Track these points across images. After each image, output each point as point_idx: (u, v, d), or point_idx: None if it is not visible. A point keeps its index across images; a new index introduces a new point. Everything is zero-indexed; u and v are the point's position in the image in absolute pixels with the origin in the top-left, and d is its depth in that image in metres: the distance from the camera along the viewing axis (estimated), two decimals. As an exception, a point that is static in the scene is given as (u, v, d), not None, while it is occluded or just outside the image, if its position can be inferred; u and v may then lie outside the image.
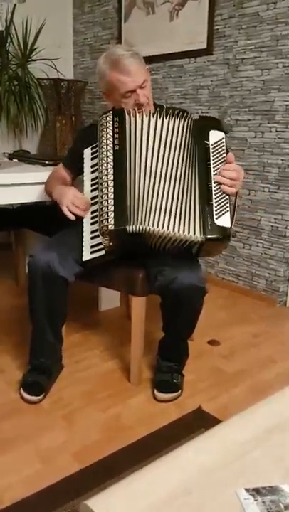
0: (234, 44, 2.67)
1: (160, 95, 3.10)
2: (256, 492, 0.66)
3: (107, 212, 1.50)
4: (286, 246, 2.60)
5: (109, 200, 1.51)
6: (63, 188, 1.72)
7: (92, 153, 1.72)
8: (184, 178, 1.54)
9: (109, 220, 1.49)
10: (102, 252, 1.61)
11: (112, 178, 1.53)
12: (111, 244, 1.55)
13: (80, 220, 1.67)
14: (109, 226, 1.49)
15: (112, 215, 1.49)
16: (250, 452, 0.76)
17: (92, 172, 1.70)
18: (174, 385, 1.77)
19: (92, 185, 1.69)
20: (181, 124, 1.58)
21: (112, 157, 1.55)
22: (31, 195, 1.99)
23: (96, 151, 1.69)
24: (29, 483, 1.35)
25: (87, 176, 1.71)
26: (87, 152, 1.74)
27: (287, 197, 2.55)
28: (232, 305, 2.70)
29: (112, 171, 1.54)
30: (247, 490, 0.66)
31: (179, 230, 1.49)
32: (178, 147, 1.56)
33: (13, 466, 1.42)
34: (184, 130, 1.57)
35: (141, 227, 1.50)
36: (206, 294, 1.66)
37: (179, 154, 1.56)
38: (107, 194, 1.52)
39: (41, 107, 3.56)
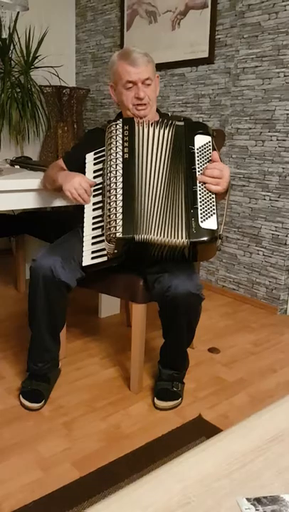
0: (235, 53, 2.69)
1: (162, 103, 3.12)
2: (257, 501, 0.65)
3: (115, 220, 1.51)
4: (287, 254, 2.61)
5: (118, 208, 1.52)
6: (70, 173, 1.73)
7: (95, 159, 1.74)
8: (173, 185, 1.56)
9: (118, 227, 1.50)
10: (104, 258, 1.62)
11: (120, 186, 1.55)
12: (116, 251, 1.56)
13: (82, 207, 1.69)
14: (117, 234, 1.50)
15: (121, 223, 1.51)
16: (251, 462, 0.76)
17: (95, 177, 1.71)
18: (174, 393, 1.77)
19: (94, 190, 1.70)
20: (168, 133, 1.60)
21: (121, 165, 1.57)
22: (33, 201, 2.00)
23: (99, 157, 1.71)
24: (29, 491, 1.34)
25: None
26: (90, 157, 1.75)
27: (287, 205, 2.56)
28: (232, 313, 2.70)
29: (120, 179, 1.55)
30: (248, 499, 0.66)
31: (167, 236, 1.51)
32: (169, 155, 1.58)
33: (13, 473, 1.41)
34: (172, 138, 1.59)
35: (148, 237, 1.52)
36: (202, 301, 1.66)
37: (170, 162, 1.58)
38: (116, 202, 1.53)
39: (43, 113, 3.58)
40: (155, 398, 1.77)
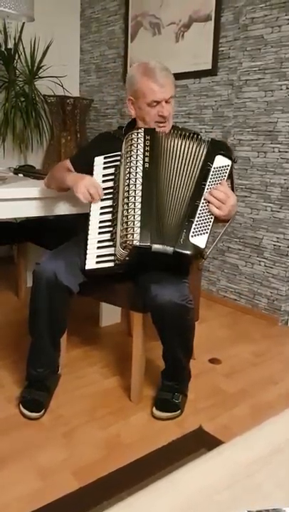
0: (238, 65, 2.71)
1: (165, 114, 3.14)
2: (259, 515, 0.65)
3: (133, 228, 1.52)
4: (288, 265, 2.61)
5: (136, 216, 1.53)
6: (79, 174, 1.74)
7: (105, 163, 1.74)
8: (183, 195, 1.57)
9: (135, 235, 1.51)
10: (110, 264, 1.61)
11: (140, 194, 1.56)
12: (127, 258, 1.56)
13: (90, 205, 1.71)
14: (134, 242, 1.51)
15: (138, 231, 1.52)
16: (253, 474, 0.75)
17: (104, 181, 1.71)
18: (173, 404, 1.76)
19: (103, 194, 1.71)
20: (197, 148, 1.61)
21: (141, 173, 1.58)
22: (35, 209, 2.00)
23: (110, 161, 1.72)
24: (28, 501, 1.33)
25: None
26: (100, 160, 1.75)
27: (289, 216, 2.56)
28: (233, 323, 2.69)
29: (140, 187, 1.56)
30: (250, 512, 0.65)
31: (164, 243, 1.53)
32: (188, 168, 1.59)
33: (13, 482, 1.41)
34: (199, 153, 1.60)
35: (163, 248, 1.52)
36: (190, 311, 1.63)
37: (184, 172, 1.59)
38: (134, 209, 1.54)
39: (47, 122, 3.61)
40: (154, 408, 1.76)
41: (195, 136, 1.64)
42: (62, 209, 2.04)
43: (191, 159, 1.60)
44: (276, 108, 2.55)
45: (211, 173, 1.57)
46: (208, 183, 1.56)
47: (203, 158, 1.59)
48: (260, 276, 2.75)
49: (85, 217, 1.74)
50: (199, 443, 1.59)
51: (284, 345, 2.44)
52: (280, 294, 2.66)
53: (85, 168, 1.77)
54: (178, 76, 3.04)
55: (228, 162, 1.60)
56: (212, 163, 1.58)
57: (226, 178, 1.59)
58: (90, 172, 1.75)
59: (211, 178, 1.57)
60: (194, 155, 1.60)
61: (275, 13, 2.50)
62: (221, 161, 1.59)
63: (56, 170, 1.89)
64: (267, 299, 2.73)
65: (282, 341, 2.48)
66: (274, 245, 2.65)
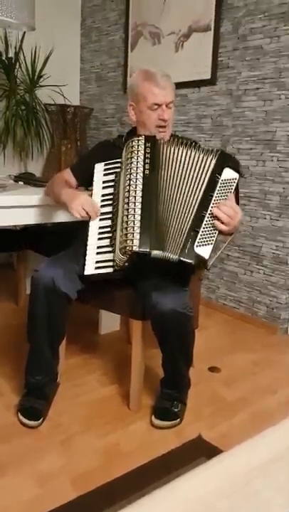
0: (237, 75, 2.73)
1: (164, 122, 3.16)
2: (258, 524, 0.65)
3: (133, 233, 1.53)
4: (288, 273, 2.61)
5: (136, 222, 1.54)
6: (75, 192, 1.74)
7: (105, 169, 1.75)
8: (188, 204, 1.58)
9: (134, 241, 1.52)
10: (110, 270, 1.62)
11: (140, 200, 1.57)
12: (126, 264, 1.57)
13: (86, 223, 1.71)
14: (134, 247, 1.52)
15: (138, 237, 1.53)
16: (252, 482, 0.75)
17: (104, 188, 1.72)
18: (172, 413, 1.76)
19: (102, 200, 1.71)
20: (204, 158, 1.61)
21: (141, 180, 1.59)
22: (35, 216, 2.01)
23: (110, 168, 1.73)
24: (26, 509, 1.33)
25: (98, 190, 1.73)
26: (100, 167, 1.77)
27: (288, 225, 2.57)
28: (232, 331, 2.69)
29: (140, 194, 1.57)
30: (249, 522, 0.65)
31: (165, 250, 1.54)
32: (193, 177, 1.60)
33: (11, 490, 1.40)
34: (206, 164, 1.60)
35: (163, 254, 1.53)
36: (191, 318, 1.64)
37: (193, 183, 1.60)
38: (134, 215, 1.55)
39: (47, 131, 3.63)
40: (153, 416, 1.76)
41: (199, 145, 1.66)
42: (62, 216, 2.05)
43: (197, 169, 1.60)
44: (275, 117, 2.57)
45: (219, 185, 1.58)
46: (215, 195, 1.56)
47: (211, 168, 1.59)
48: (259, 284, 2.75)
49: (84, 224, 1.74)
50: (198, 452, 1.59)
51: (283, 353, 2.44)
52: (279, 302, 2.66)
53: (87, 177, 1.79)
54: (177, 85, 3.05)
55: (236, 175, 1.61)
56: (220, 175, 1.59)
57: (232, 191, 1.60)
58: (91, 180, 1.76)
59: (218, 190, 1.57)
60: (201, 165, 1.60)
61: (273, 24, 2.52)
62: (229, 173, 1.60)
63: (55, 182, 1.89)
64: (266, 307, 2.73)
65: (281, 350, 2.48)
66: (273, 253, 2.66)
